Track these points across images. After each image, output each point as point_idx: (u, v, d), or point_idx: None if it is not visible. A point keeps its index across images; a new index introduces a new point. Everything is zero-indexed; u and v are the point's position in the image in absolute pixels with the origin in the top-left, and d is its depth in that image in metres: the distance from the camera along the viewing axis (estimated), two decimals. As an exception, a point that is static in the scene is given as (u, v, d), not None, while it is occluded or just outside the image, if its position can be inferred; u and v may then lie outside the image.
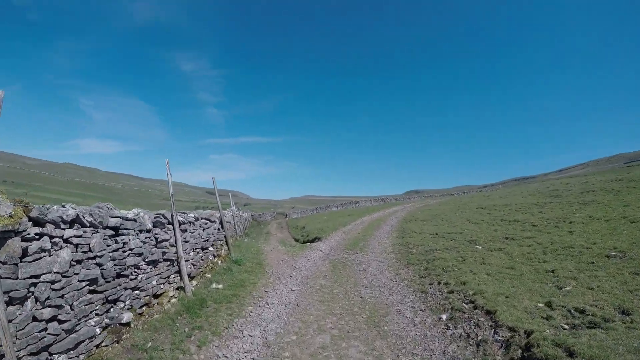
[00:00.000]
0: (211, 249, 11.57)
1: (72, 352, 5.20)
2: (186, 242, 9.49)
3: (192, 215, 10.21)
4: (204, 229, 11.32)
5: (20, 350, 4.44)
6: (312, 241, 22.69)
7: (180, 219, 9.24)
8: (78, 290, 5.36)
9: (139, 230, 7.07)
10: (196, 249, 10.28)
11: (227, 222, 16.52)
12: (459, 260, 11.71)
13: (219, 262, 11.82)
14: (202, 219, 11.38)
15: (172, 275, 8.36)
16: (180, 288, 8.56)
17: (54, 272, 4.94)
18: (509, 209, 22.74)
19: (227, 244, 13.70)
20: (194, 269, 9.77)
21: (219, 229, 13.19)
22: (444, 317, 7.67)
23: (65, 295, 5.13)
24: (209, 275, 10.52)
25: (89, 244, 5.63)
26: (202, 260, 10.63)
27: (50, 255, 4.92)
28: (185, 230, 9.67)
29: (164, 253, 7.95)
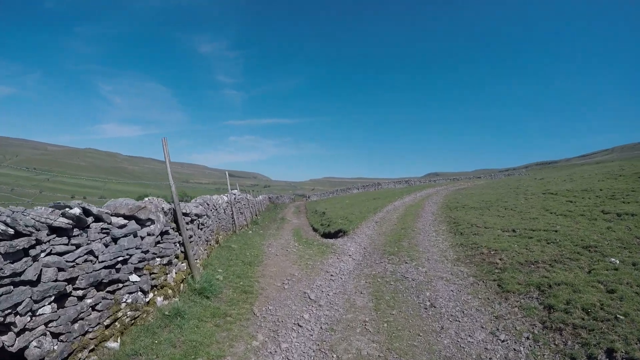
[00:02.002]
0: (134, 280, 5.69)
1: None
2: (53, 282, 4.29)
3: (73, 212, 4.63)
4: (113, 241, 5.41)
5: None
6: (335, 235, 17.66)
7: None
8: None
9: None
10: (80, 288, 4.70)
11: (212, 214, 11.65)
12: (606, 293, 6.44)
13: (161, 299, 6.31)
14: (109, 216, 5.41)
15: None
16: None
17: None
18: (595, 195, 17.19)
19: (187, 260, 7.74)
20: (57, 343, 4.29)
21: (166, 234, 6.86)
22: None
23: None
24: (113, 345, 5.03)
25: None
26: (99, 312, 4.97)
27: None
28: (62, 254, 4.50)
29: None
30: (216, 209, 12.68)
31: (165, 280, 6.44)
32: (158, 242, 6.38)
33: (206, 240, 10.20)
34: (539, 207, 16.38)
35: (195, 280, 7.32)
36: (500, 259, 9.84)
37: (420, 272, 9.78)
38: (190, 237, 7.88)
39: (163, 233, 6.58)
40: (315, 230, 21.66)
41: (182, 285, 7.08)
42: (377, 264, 10.87)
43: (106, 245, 5.14)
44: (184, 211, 7.86)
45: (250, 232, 18.51)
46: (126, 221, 5.61)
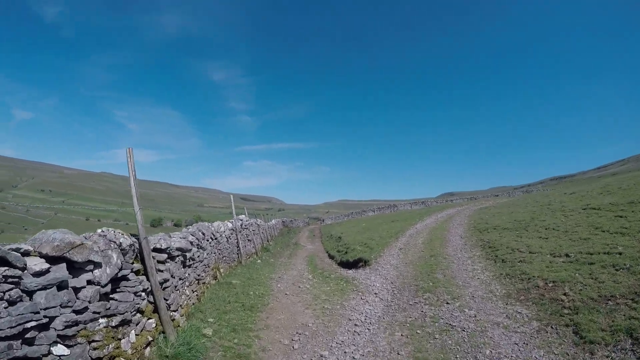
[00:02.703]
0: (59, 354, 3.69)
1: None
2: None
3: None
4: (27, 296, 3.49)
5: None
6: (354, 264, 15.41)
7: None
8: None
9: None
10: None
11: (210, 244, 9.91)
12: None
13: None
14: (20, 258, 3.45)
15: None
16: None
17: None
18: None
19: (157, 314, 5.61)
20: None
21: (124, 280, 4.91)
22: None
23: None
24: None
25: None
26: None
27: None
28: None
29: None
30: (215, 239, 10.91)
31: (118, 348, 4.47)
32: (107, 294, 4.47)
33: (197, 279, 8.35)
34: (586, 225, 14.27)
35: (168, 343, 5.33)
36: (564, 294, 7.86)
37: (468, 316, 7.77)
38: (165, 281, 5.96)
39: (118, 279, 4.70)
40: (331, 257, 19.67)
41: (147, 350, 5.09)
42: (412, 306, 8.79)
43: (11, 303, 3.28)
44: (157, 246, 5.97)
45: (259, 261, 16.61)
46: (49, 265, 3.68)
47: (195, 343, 5.48)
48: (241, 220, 15.89)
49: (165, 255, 6.12)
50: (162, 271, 5.88)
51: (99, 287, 4.18)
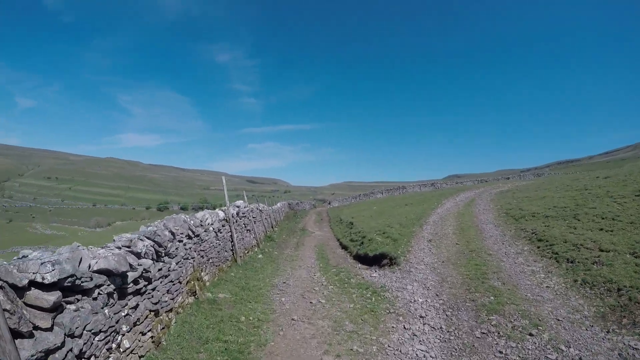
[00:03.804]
0: None
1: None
2: None
3: None
4: None
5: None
6: (377, 261, 12.40)
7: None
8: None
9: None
10: None
11: (185, 247, 7.23)
12: None
13: None
14: None
15: None
16: None
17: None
18: None
19: None
20: None
21: None
22: None
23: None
24: None
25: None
26: None
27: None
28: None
29: None
30: (197, 236, 8.17)
31: None
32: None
33: (153, 311, 5.62)
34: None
35: None
36: None
37: (567, 357, 5.28)
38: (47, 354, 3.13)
39: None
40: (344, 247, 17.04)
41: None
42: (481, 341, 5.99)
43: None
44: (29, 279, 3.26)
45: (260, 255, 13.94)
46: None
47: None
48: (237, 207, 13.21)
49: (54, 298, 3.37)
50: (45, 329, 3.20)
51: None
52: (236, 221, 12.45)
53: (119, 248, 4.96)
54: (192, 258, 7.70)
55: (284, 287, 9.79)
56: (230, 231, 11.22)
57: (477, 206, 23.81)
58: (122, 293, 4.75)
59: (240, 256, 12.16)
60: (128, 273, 4.73)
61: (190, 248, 7.63)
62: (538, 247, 11.33)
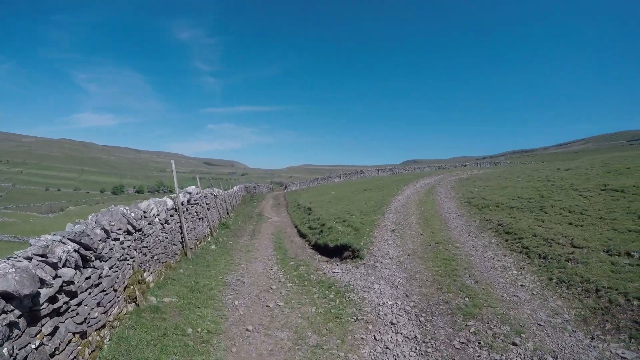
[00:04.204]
0: None
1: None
2: None
3: None
4: None
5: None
6: (338, 253, 11.71)
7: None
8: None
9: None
10: None
11: (121, 246, 6.14)
12: None
13: None
14: None
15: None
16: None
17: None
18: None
19: None
20: None
21: None
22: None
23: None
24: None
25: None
26: None
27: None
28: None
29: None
30: (139, 230, 7.11)
31: None
32: None
33: (79, 332, 4.58)
34: (622, 211, 11.47)
35: None
36: None
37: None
38: None
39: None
40: (302, 236, 16.22)
41: None
42: (461, 354, 5.38)
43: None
44: None
45: (212, 246, 12.86)
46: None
47: None
48: (189, 193, 12.02)
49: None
50: None
51: None
52: (187, 209, 11.31)
53: (29, 258, 3.86)
54: (131, 258, 6.64)
55: (237, 285, 8.84)
56: (180, 222, 10.08)
57: (438, 194, 23.55)
58: (34, 318, 3.71)
59: (191, 248, 11.08)
60: (40, 290, 3.69)
61: (129, 246, 6.56)
62: (506, 241, 11.05)
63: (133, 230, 6.82)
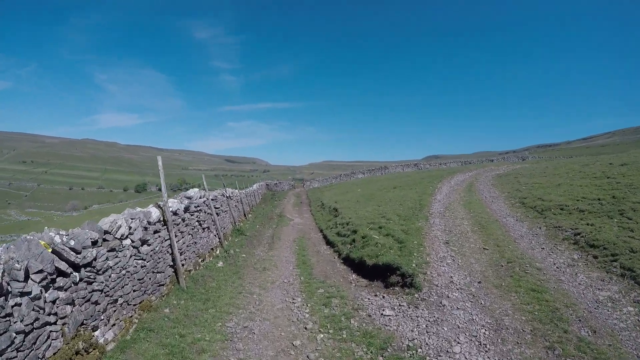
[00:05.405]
0: None
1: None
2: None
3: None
4: None
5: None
6: (379, 275, 8.79)
7: None
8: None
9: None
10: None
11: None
12: None
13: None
14: None
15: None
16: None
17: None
18: None
19: None
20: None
21: None
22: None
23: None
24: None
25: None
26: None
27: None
28: None
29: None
30: (87, 266, 4.53)
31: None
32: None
33: None
34: None
35: None
36: None
37: None
38: None
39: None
40: (330, 244, 13.61)
41: None
42: None
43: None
44: None
45: (220, 263, 10.22)
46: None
47: None
48: (188, 199, 9.39)
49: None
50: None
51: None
52: (184, 220, 8.70)
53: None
54: (61, 318, 4.10)
55: (243, 340, 5.99)
56: (170, 239, 7.45)
57: (480, 193, 20.65)
58: None
59: (189, 270, 8.52)
60: None
61: (57, 299, 4.05)
62: (595, 258, 8.37)
63: (70, 270, 4.29)
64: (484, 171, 36.46)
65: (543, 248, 9.55)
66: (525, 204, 15.15)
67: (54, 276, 4.14)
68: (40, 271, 3.89)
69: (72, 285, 4.44)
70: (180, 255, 8.16)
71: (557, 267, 8.10)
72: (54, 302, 4.07)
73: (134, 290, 5.95)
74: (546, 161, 49.21)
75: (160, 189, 7.89)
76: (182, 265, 8.18)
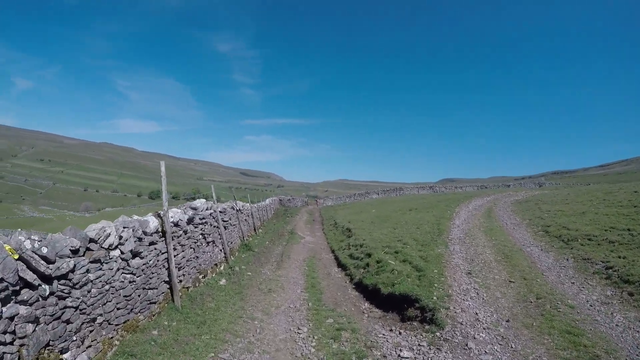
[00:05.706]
0: None
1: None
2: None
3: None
4: None
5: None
6: (395, 306, 7.94)
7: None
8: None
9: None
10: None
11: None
12: None
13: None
14: None
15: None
16: None
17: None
18: None
19: None
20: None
21: None
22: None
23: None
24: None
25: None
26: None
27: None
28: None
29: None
30: (62, 278, 3.85)
31: None
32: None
33: None
34: None
35: None
36: None
37: None
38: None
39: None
40: (342, 267, 12.82)
41: None
42: None
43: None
44: None
45: (222, 280, 9.48)
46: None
47: None
48: (194, 209, 8.77)
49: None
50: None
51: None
52: (185, 232, 8.05)
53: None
54: (12, 341, 3.44)
55: None
56: (167, 252, 6.79)
57: (500, 219, 19.76)
58: None
59: (187, 287, 7.83)
60: None
61: (14, 317, 3.42)
62: (630, 295, 7.62)
63: (38, 282, 3.66)
64: (502, 196, 35.49)
65: (573, 282, 8.73)
66: (550, 232, 14.33)
67: (17, 288, 3.51)
68: (0, 280, 3.26)
69: (40, 299, 3.80)
70: (179, 270, 7.48)
71: (591, 305, 7.29)
72: (11, 318, 3.42)
73: (118, 308, 5.26)
74: (565, 188, 47.90)
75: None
76: (180, 281, 7.50)
